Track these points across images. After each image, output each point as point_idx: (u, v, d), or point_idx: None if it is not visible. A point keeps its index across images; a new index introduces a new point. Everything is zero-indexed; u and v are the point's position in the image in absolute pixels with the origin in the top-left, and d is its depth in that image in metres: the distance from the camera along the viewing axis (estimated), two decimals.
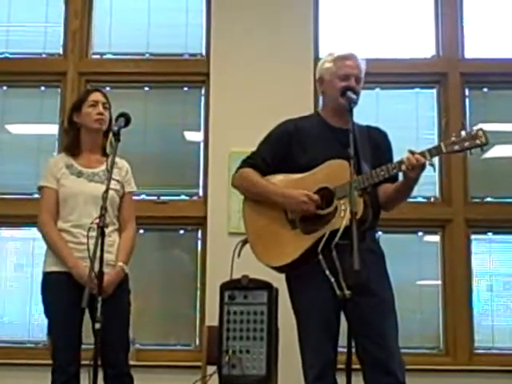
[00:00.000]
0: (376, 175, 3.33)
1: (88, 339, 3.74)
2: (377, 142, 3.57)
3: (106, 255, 3.64)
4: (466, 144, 3.27)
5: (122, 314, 3.82)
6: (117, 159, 3.91)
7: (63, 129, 4.08)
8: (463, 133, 3.30)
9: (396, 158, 3.50)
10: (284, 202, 3.43)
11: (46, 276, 3.81)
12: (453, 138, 3.29)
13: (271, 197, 3.47)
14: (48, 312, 3.79)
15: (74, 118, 3.94)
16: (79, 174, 3.84)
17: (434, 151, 3.30)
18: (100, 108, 3.88)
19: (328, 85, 3.58)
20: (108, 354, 3.71)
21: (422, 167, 3.28)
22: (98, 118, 3.85)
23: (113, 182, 3.80)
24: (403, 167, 3.29)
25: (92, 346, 3.69)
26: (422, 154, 3.28)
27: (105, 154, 3.91)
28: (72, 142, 3.95)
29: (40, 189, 3.92)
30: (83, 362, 3.61)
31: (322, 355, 3.34)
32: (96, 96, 3.93)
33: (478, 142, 3.26)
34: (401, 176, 3.43)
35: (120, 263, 3.79)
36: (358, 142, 3.44)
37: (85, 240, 3.57)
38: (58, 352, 3.71)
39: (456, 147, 3.29)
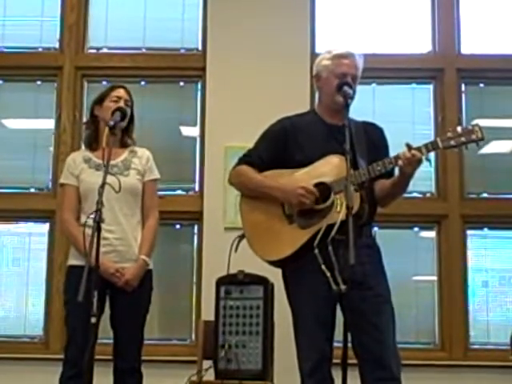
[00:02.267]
0: (373, 170, 3.34)
1: (106, 334, 3.76)
2: (373, 138, 3.58)
3: (128, 249, 3.77)
4: (462, 139, 3.29)
5: (139, 310, 3.83)
6: (137, 148, 4.00)
7: (84, 122, 4.09)
8: (459, 128, 3.32)
9: (392, 154, 3.50)
10: (281, 195, 3.43)
11: (69, 269, 3.85)
12: (449, 134, 3.31)
13: (268, 191, 3.47)
14: (67, 304, 3.80)
15: (94, 112, 3.96)
16: (98, 168, 3.85)
17: (430, 146, 3.31)
18: (121, 104, 3.89)
19: (325, 82, 3.59)
20: (120, 348, 3.74)
21: (419, 162, 3.29)
22: (118, 114, 3.85)
23: (132, 171, 3.87)
24: (399, 162, 3.30)
25: (107, 341, 3.72)
26: (419, 149, 3.28)
27: (123, 146, 3.93)
28: (91, 135, 3.98)
29: (61, 186, 4.00)
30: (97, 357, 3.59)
31: (318, 349, 3.34)
32: (119, 92, 3.96)
33: (473, 137, 3.28)
34: (397, 171, 3.43)
35: (142, 256, 3.80)
36: (354, 138, 3.44)
37: (107, 235, 3.65)
38: (71, 345, 3.71)
39: (452, 142, 3.30)
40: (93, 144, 3.96)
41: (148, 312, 3.88)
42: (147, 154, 4.01)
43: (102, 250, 3.54)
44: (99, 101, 3.97)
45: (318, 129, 3.55)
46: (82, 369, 3.54)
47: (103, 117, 3.90)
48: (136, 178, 3.88)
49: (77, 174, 3.88)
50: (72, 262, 3.83)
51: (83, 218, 3.77)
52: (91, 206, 3.71)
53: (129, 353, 3.78)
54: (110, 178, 3.52)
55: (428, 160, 3.33)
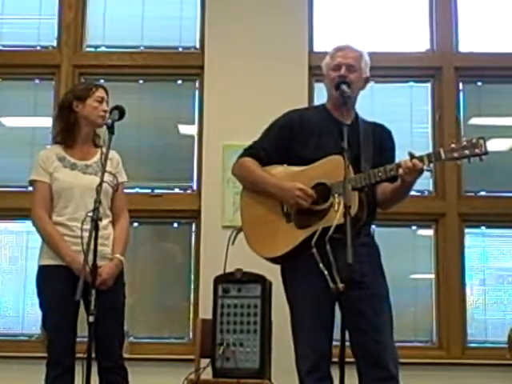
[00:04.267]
0: (373, 176, 3.32)
1: (83, 332, 3.74)
2: (380, 140, 3.55)
3: (102, 248, 3.65)
4: (466, 152, 3.23)
5: (117, 307, 3.81)
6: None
7: (57, 114, 3.98)
8: (463, 140, 3.27)
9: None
10: (279, 193, 3.42)
11: (43, 269, 3.79)
12: (453, 145, 3.25)
13: (267, 188, 3.47)
14: (44, 305, 3.78)
15: (73, 107, 3.86)
16: (73, 167, 3.82)
17: (432, 157, 3.27)
18: (104, 106, 3.85)
19: (326, 78, 3.61)
20: (102, 347, 3.70)
21: (420, 172, 3.26)
22: (103, 114, 3.83)
23: (106, 173, 3.82)
24: (400, 171, 3.27)
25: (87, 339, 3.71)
26: (421, 158, 3.25)
27: (96, 146, 3.91)
28: (68, 132, 3.88)
29: (32, 183, 3.88)
30: (78, 355, 3.61)
31: (316, 347, 3.33)
32: (102, 93, 3.90)
33: (477, 151, 3.22)
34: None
35: (117, 255, 3.79)
36: (361, 139, 3.44)
37: (83, 233, 3.58)
38: (53, 345, 3.70)
39: (455, 154, 3.24)
40: (68, 141, 3.87)
41: (125, 307, 3.86)
42: (117, 157, 3.97)
43: (76, 248, 3.57)
44: (81, 97, 3.87)
45: (325, 125, 3.53)
46: (67, 368, 3.60)
47: (86, 115, 3.83)
48: (108, 179, 3.84)
49: (50, 172, 3.80)
50: (46, 261, 3.77)
51: (54, 217, 3.77)
52: (65, 205, 3.74)
53: (112, 351, 3.75)
54: (84, 178, 3.54)
55: (429, 170, 3.31)
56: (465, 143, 3.25)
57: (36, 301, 3.83)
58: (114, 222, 3.88)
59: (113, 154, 3.94)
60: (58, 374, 3.64)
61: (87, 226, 3.41)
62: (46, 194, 3.80)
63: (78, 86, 4.05)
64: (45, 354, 3.75)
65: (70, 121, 3.87)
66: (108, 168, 3.81)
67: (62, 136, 3.90)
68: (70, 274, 3.61)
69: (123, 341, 3.85)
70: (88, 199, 3.65)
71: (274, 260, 3.47)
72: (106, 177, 3.73)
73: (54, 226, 3.75)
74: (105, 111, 3.84)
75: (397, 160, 3.44)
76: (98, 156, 3.83)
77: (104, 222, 3.75)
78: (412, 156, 3.25)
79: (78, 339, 3.75)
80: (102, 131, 3.87)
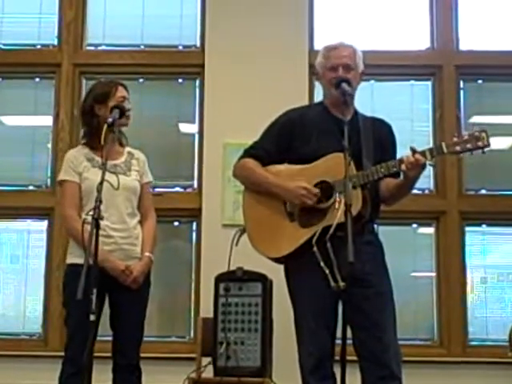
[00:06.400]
0: (376, 172, 3.31)
1: (104, 331, 3.74)
2: (380, 135, 3.54)
3: (132, 248, 3.75)
4: (468, 145, 3.22)
5: (140, 306, 3.81)
6: (133, 150, 3.97)
7: (81, 118, 3.96)
8: (465, 134, 3.27)
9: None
10: (283, 193, 3.42)
11: (71, 268, 3.76)
12: (455, 139, 3.24)
13: (270, 188, 3.46)
14: (69, 303, 3.74)
15: (95, 110, 3.82)
16: (102, 167, 3.80)
17: (434, 151, 3.26)
18: (127, 104, 3.83)
19: (322, 78, 3.59)
20: (120, 344, 3.74)
21: (422, 167, 3.26)
22: (128, 114, 3.81)
23: (134, 172, 3.87)
24: (403, 166, 3.27)
25: (106, 339, 3.71)
26: (423, 153, 3.24)
27: (122, 145, 3.91)
28: (93, 135, 3.83)
29: (61, 183, 3.88)
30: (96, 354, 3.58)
31: (320, 345, 3.32)
32: (123, 92, 3.86)
33: (480, 144, 3.21)
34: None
35: (147, 253, 3.80)
36: (362, 135, 3.42)
37: (113, 233, 3.65)
38: (73, 343, 3.65)
39: (457, 148, 3.24)
40: (94, 144, 3.82)
41: (147, 306, 3.86)
42: (143, 157, 3.99)
43: (107, 248, 3.55)
44: (102, 100, 3.83)
45: (325, 122, 3.51)
46: (81, 366, 3.57)
47: (108, 117, 3.74)
48: (136, 179, 3.86)
49: (79, 172, 3.80)
50: (75, 260, 3.73)
51: (84, 217, 3.69)
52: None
53: (130, 350, 3.75)
54: (110, 177, 3.54)
55: (432, 165, 3.30)
56: (467, 137, 3.24)
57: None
58: (141, 222, 3.89)
59: (139, 154, 3.99)
60: (73, 372, 3.60)
61: (117, 226, 3.62)
62: (76, 194, 3.79)
63: (97, 87, 3.97)
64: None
65: (93, 125, 3.84)
66: (136, 167, 3.89)
67: (88, 139, 3.89)
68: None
69: (141, 340, 3.82)
70: (117, 198, 3.71)
71: (277, 260, 3.47)
72: (134, 177, 3.84)
73: (84, 224, 3.72)
74: (128, 110, 3.82)
75: (398, 155, 3.43)
76: (125, 155, 3.89)
77: (133, 222, 3.80)
78: (414, 151, 3.25)
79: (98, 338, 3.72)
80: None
